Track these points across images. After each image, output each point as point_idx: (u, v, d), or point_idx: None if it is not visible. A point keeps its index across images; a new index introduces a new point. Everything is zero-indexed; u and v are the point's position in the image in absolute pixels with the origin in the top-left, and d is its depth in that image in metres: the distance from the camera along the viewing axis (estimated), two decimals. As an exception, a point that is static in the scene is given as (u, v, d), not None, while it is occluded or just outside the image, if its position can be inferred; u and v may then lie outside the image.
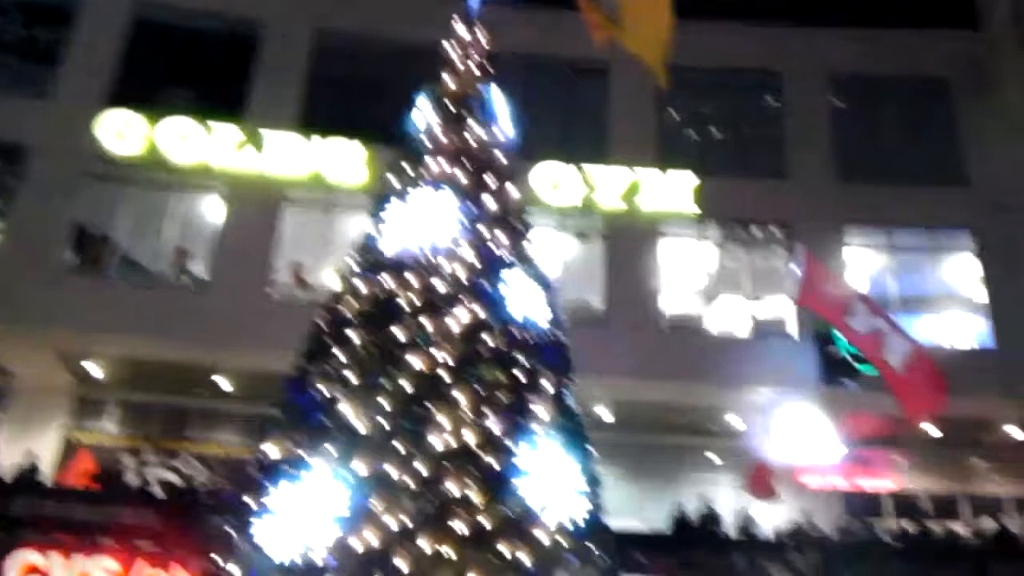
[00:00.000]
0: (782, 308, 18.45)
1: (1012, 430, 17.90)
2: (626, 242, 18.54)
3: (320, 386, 6.07)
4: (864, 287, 17.84)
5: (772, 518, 16.69)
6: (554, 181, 18.49)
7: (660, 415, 17.30)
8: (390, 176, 7.19)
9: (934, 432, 17.41)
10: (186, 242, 18.07)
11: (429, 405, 5.94)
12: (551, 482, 6.08)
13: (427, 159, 7.13)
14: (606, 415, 17.50)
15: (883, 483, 17.72)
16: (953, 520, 16.69)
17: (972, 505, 17.11)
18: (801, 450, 16.86)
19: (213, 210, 18.36)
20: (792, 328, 17.99)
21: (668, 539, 15.90)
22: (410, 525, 5.53)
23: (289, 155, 18.21)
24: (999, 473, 17.93)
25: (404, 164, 7.18)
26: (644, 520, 16.34)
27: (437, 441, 5.85)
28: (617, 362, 16.25)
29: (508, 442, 6.02)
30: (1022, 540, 15.72)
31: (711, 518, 16.43)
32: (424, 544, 5.49)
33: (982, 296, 18.49)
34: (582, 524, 6.16)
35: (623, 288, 18.26)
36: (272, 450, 5.95)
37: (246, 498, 5.77)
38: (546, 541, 5.86)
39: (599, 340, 16.04)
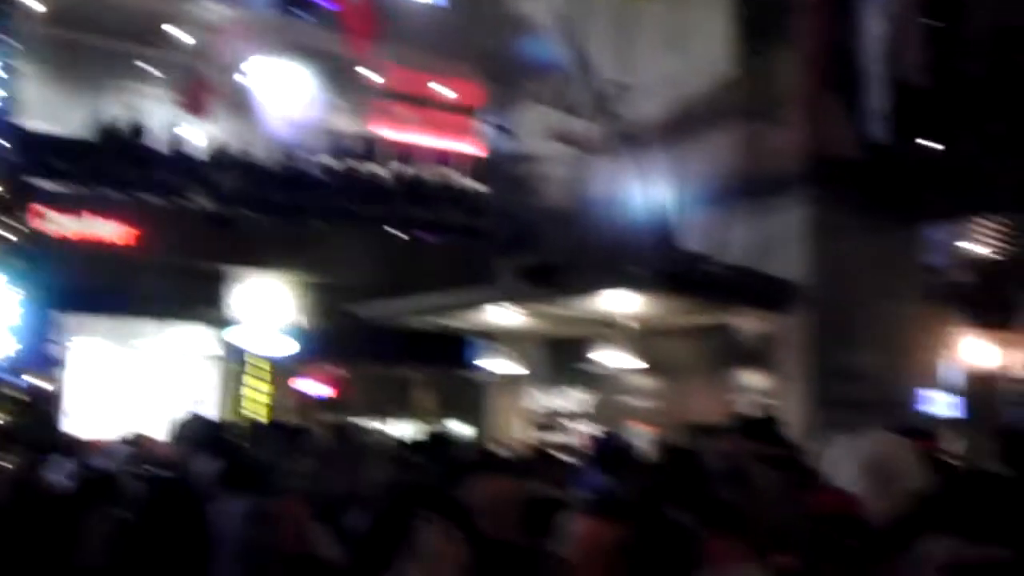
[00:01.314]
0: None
1: (446, 92, 19.61)
2: None
3: None
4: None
5: (204, 138, 16.57)
6: None
7: (98, 12, 15.70)
8: None
9: (376, 78, 18.35)
10: None
11: None
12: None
13: None
14: (34, 3, 15.43)
15: (318, 120, 18.42)
16: (374, 162, 18.10)
17: (393, 151, 18.65)
18: (246, 71, 16.68)
19: None
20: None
21: (90, 146, 15.10)
22: None
23: None
24: (421, 125, 19.70)
25: None
26: (64, 125, 15.23)
27: None
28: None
29: None
30: (426, 182, 17.76)
31: (138, 130, 15.84)
32: None
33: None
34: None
35: None
36: None
37: None
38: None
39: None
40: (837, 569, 3.18)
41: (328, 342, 15.31)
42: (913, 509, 3.56)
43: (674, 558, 1.81)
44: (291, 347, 15.45)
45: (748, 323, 11.97)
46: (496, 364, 14.77)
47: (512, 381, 14.93)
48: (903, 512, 3.64)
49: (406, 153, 18.43)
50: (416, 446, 7.30)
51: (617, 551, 1.73)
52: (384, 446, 7.81)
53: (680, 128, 12.26)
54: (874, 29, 10.70)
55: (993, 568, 2.73)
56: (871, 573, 3.13)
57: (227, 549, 5.59)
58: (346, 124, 18.35)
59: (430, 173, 18.00)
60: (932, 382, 14.18)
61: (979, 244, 14.00)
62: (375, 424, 15.55)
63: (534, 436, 13.20)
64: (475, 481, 3.68)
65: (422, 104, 19.58)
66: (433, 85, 19.51)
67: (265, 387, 15.63)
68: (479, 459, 7.03)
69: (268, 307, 15.33)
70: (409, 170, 17.82)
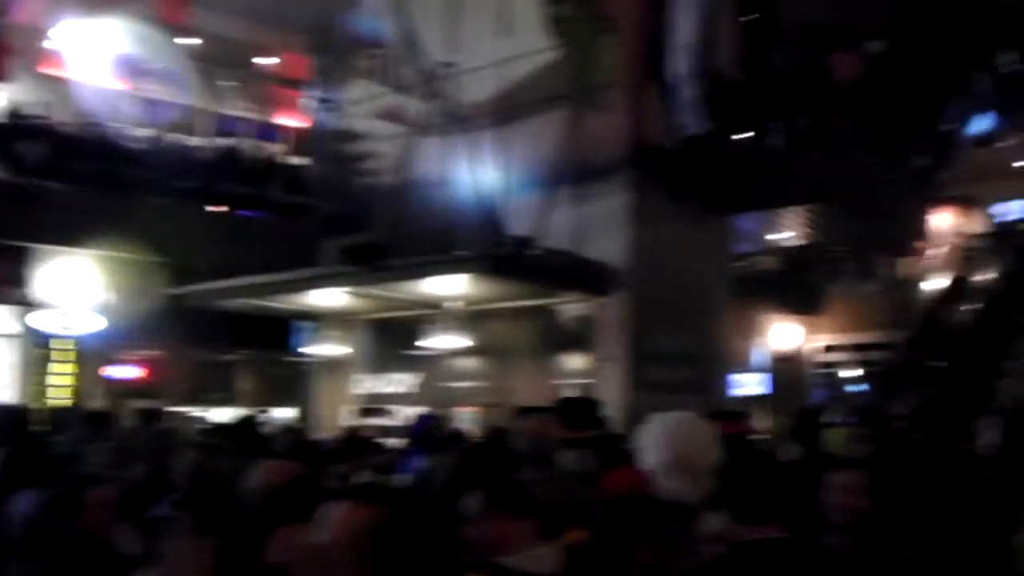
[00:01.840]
0: None
1: (271, 63, 19.06)
2: None
3: None
4: None
5: (4, 103, 15.44)
6: None
7: None
8: None
9: (192, 42, 17.55)
10: None
11: None
12: None
13: None
14: None
15: (133, 88, 17.49)
16: (193, 134, 17.38)
17: (214, 122, 17.96)
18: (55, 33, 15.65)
19: None
20: None
21: None
22: None
23: None
24: (243, 97, 19.05)
25: None
26: None
27: None
28: None
29: None
30: (249, 157, 17.16)
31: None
32: None
33: None
34: None
35: None
36: None
37: None
38: None
39: None
40: (628, 545, 3.25)
41: (142, 324, 14.57)
42: (705, 488, 3.68)
43: (425, 541, 1.79)
44: (100, 329, 14.63)
45: (571, 306, 12.19)
46: (321, 347, 14.47)
47: (338, 364, 14.67)
48: (697, 491, 3.76)
49: (227, 126, 17.76)
50: (223, 432, 7.04)
51: (368, 534, 1.71)
52: (191, 433, 7.51)
53: (507, 111, 12.31)
54: (689, 21, 11.03)
55: (769, 546, 2.84)
56: (659, 548, 3.21)
57: (17, 541, 5.24)
58: (163, 94, 17.50)
59: (253, 147, 17.41)
60: (743, 364, 14.90)
61: (787, 233, 14.76)
62: (194, 410, 14.98)
63: (359, 420, 13.03)
64: (257, 468, 3.56)
65: (245, 75, 18.95)
66: (258, 57, 18.93)
67: (70, 370, 14.76)
68: (289, 445, 6.86)
69: (75, 286, 14.44)
70: (230, 143, 17.17)
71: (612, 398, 10.55)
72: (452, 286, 11.57)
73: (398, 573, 1.73)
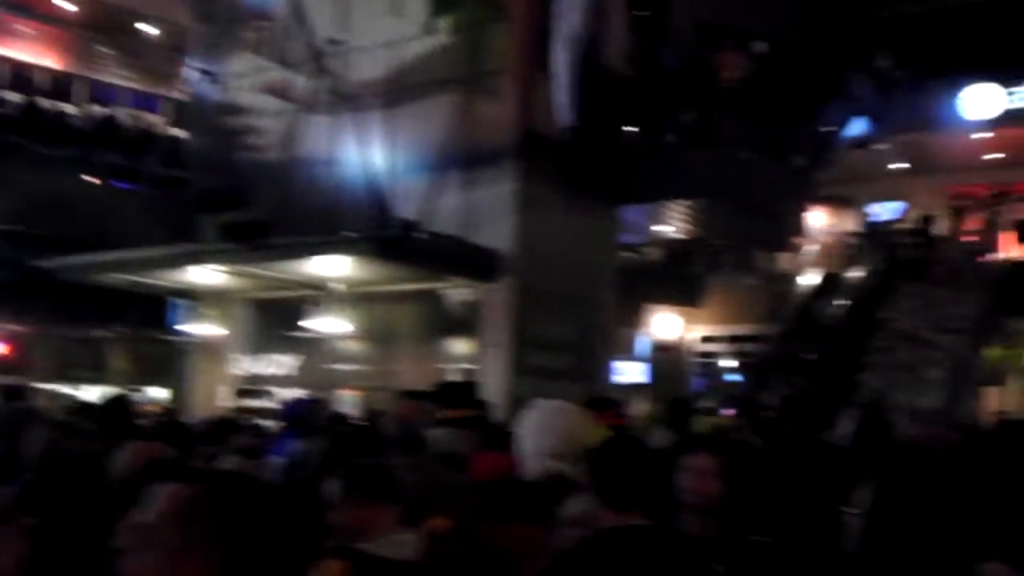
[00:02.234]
0: None
1: (148, 28, 18.35)
2: None
3: None
4: None
5: None
6: None
7: None
8: None
9: (69, 7, 16.79)
10: None
11: None
12: None
13: None
14: None
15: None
16: (66, 101, 16.63)
17: (88, 89, 17.22)
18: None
19: None
20: None
21: None
22: None
23: None
24: (122, 65, 18.32)
25: None
26: None
27: None
28: None
29: None
30: (126, 127, 16.50)
31: None
32: None
33: None
34: None
35: None
36: None
37: None
38: None
39: None
40: (496, 530, 3.25)
41: (7, 297, 13.88)
42: (578, 474, 3.70)
43: (268, 525, 1.78)
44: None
45: (456, 291, 12.16)
46: (198, 326, 14.06)
47: (216, 344, 14.28)
48: (570, 476, 3.78)
49: (103, 93, 17.04)
50: (88, 411, 6.75)
51: (188, 514, 1.69)
52: (57, 411, 7.18)
53: (396, 92, 12.17)
54: (575, 14, 11.06)
55: (629, 532, 2.86)
56: (527, 531, 3.22)
57: None
58: (33, 56, 16.68)
59: (131, 117, 16.74)
60: (625, 353, 15.15)
61: (670, 226, 15.07)
62: (62, 388, 14.40)
63: (236, 402, 12.73)
64: (123, 449, 3.42)
65: (123, 41, 18.21)
66: (139, 23, 18.21)
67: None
68: (158, 426, 6.63)
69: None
70: (107, 112, 16.48)
71: (495, 383, 10.58)
72: (336, 267, 11.39)
73: (237, 556, 1.70)
